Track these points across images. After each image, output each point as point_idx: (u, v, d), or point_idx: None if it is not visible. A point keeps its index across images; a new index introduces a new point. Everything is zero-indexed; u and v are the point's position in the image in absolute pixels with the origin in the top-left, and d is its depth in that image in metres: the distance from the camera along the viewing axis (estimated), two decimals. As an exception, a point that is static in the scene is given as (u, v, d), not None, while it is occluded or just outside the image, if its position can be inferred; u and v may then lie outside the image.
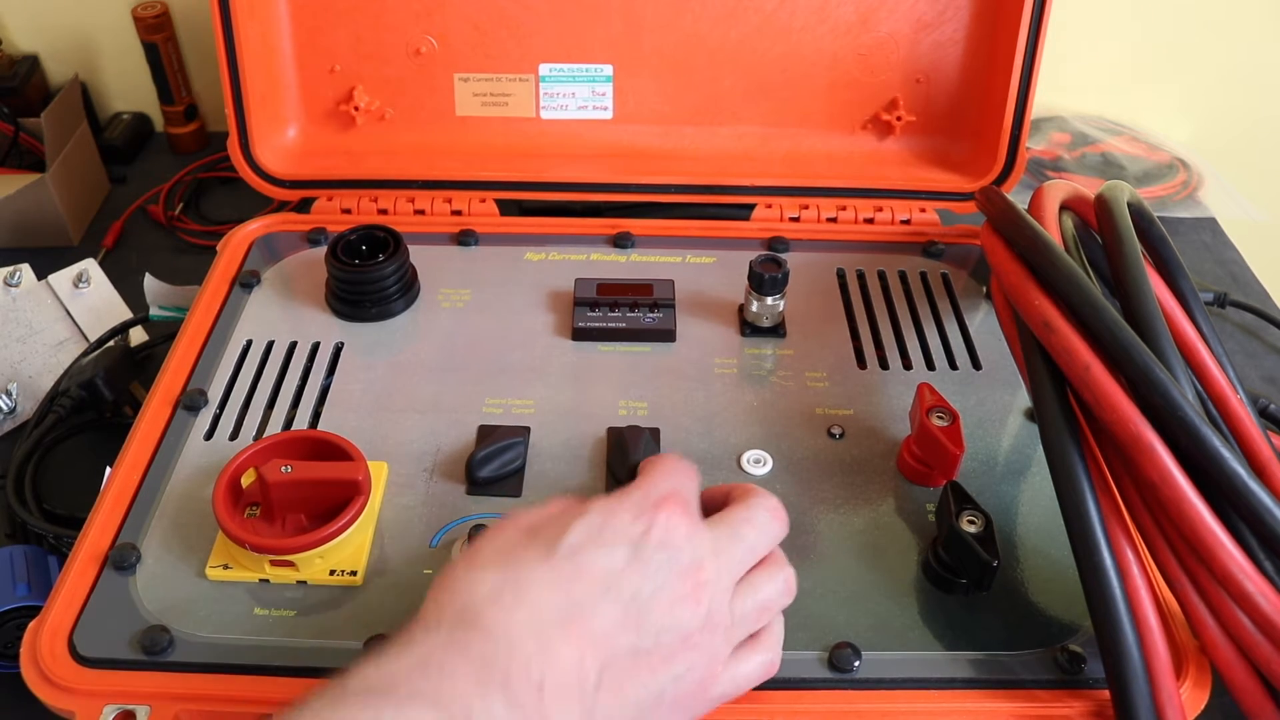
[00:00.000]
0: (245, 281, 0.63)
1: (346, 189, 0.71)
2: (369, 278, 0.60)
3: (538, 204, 0.73)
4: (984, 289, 0.64)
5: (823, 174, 0.72)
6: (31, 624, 0.44)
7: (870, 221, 0.70)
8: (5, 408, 0.65)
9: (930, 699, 0.43)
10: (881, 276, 0.65)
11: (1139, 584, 0.41)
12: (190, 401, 0.55)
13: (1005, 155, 0.69)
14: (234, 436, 0.54)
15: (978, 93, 0.71)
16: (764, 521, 0.42)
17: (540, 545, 0.38)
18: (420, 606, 0.37)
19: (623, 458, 0.49)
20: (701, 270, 0.65)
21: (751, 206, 0.71)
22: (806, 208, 0.71)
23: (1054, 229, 0.50)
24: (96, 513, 0.49)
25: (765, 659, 0.42)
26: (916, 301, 0.64)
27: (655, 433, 0.54)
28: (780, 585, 0.42)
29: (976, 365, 0.59)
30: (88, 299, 0.71)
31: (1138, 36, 0.92)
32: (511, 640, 0.35)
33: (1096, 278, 0.48)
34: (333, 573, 0.47)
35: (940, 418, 0.50)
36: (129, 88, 0.93)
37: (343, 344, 0.59)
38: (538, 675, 0.35)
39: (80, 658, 0.43)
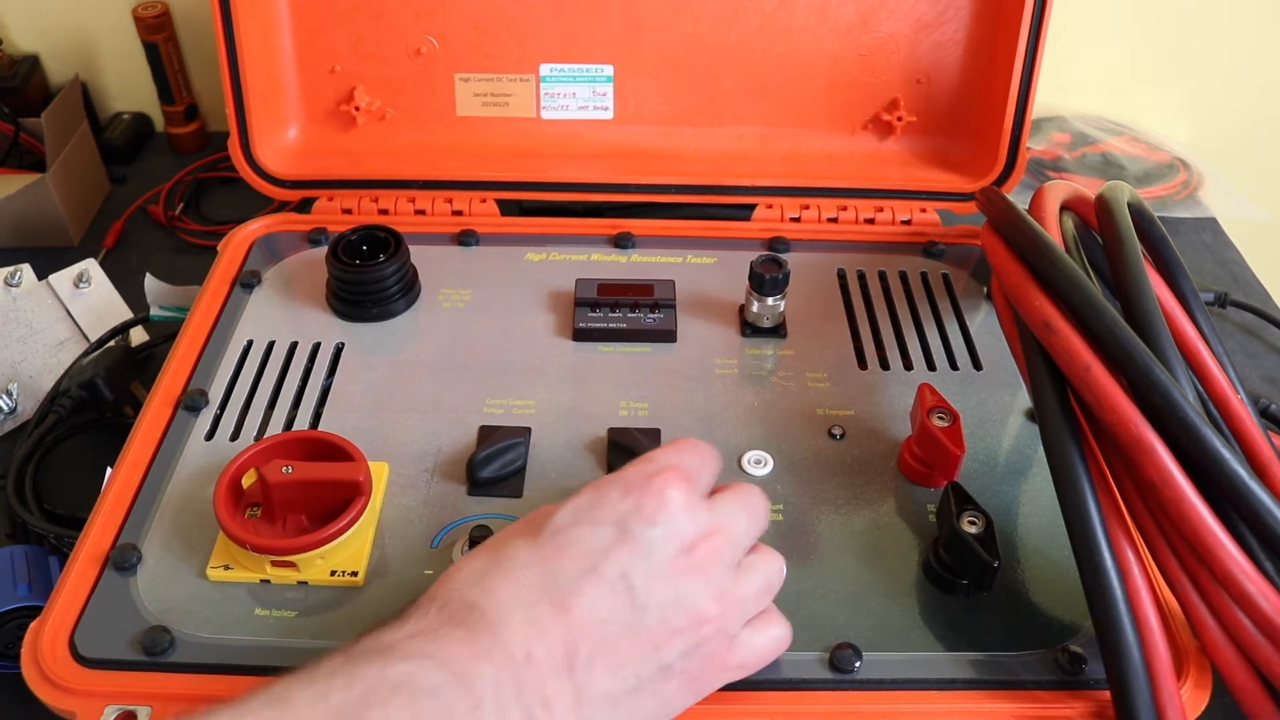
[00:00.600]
0: (246, 282, 0.63)
1: (347, 189, 0.71)
2: (369, 278, 0.60)
3: (538, 204, 0.73)
4: (984, 289, 0.64)
5: (823, 174, 0.72)
6: (32, 624, 0.44)
7: (871, 222, 0.70)
8: (5, 408, 0.65)
9: (931, 700, 0.43)
10: (882, 277, 0.66)
11: (1139, 584, 0.41)
12: (191, 402, 0.55)
13: (1005, 155, 0.69)
14: (235, 437, 0.54)
15: (978, 93, 0.71)
16: (757, 507, 0.43)
17: (531, 529, 0.39)
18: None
19: (624, 459, 0.49)
20: (702, 270, 0.65)
21: (752, 207, 0.71)
22: (807, 208, 0.71)
23: (1054, 229, 0.50)
24: (97, 513, 0.49)
25: (779, 632, 0.42)
26: (917, 302, 0.64)
27: (655, 433, 0.54)
28: (778, 568, 0.43)
29: (977, 365, 0.59)
30: (88, 299, 0.71)
31: (1138, 37, 0.92)
32: (495, 618, 0.36)
33: (1097, 278, 0.48)
34: (334, 573, 0.47)
35: (941, 418, 0.50)
36: (129, 88, 0.93)
37: (343, 344, 0.59)
38: (524, 649, 0.35)
39: (81, 658, 0.43)
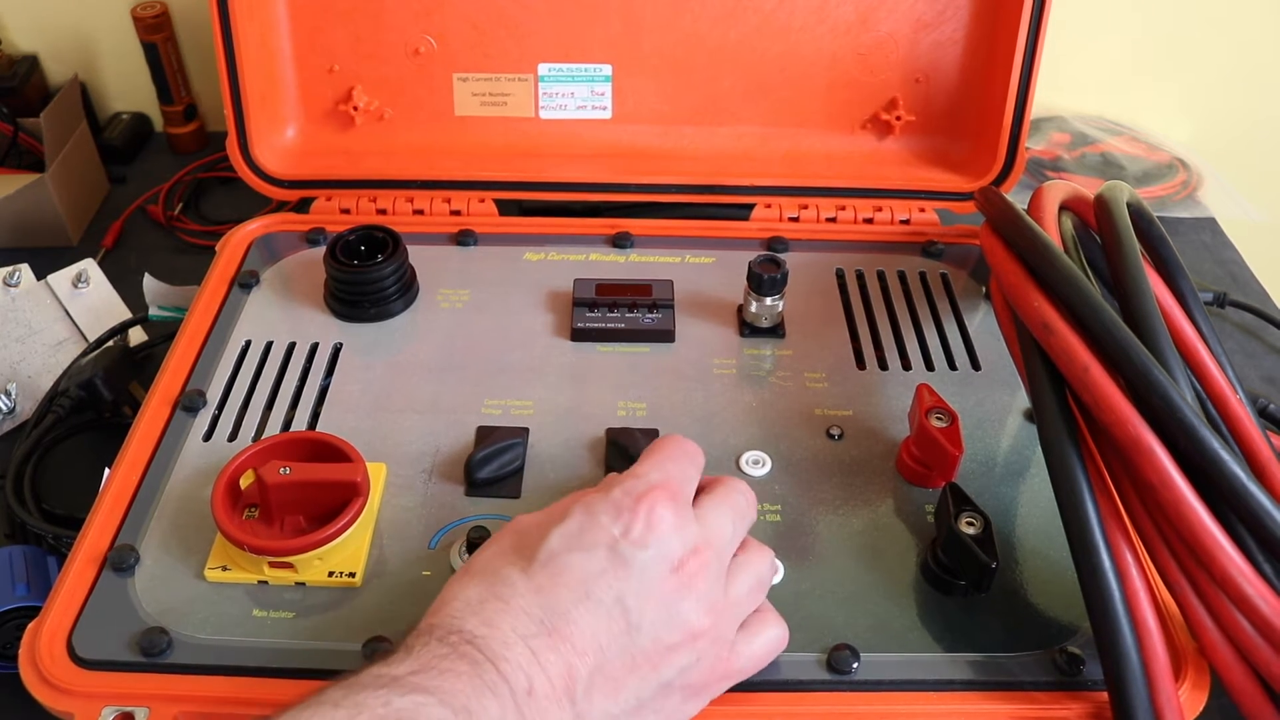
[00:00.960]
0: (244, 282, 0.63)
1: (345, 189, 0.71)
2: (368, 278, 0.60)
3: (537, 204, 0.73)
4: (983, 289, 0.64)
5: (822, 174, 0.72)
6: (30, 625, 0.44)
7: (870, 221, 0.70)
8: (4, 408, 0.65)
9: (929, 701, 0.43)
10: (881, 277, 0.65)
11: (1138, 586, 0.41)
12: (189, 402, 0.55)
13: (1005, 155, 0.69)
14: (233, 438, 0.54)
15: (977, 93, 0.71)
16: (743, 506, 0.43)
17: (522, 555, 0.39)
18: (420, 620, 0.38)
19: (622, 459, 0.49)
20: (701, 270, 0.65)
21: (751, 206, 0.71)
22: (806, 208, 0.71)
23: (1053, 229, 0.50)
24: (95, 513, 0.49)
25: (776, 633, 0.43)
26: (916, 302, 0.63)
27: (654, 433, 0.54)
28: (768, 563, 0.44)
29: (976, 366, 0.59)
30: (87, 299, 0.71)
31: (1138, 36, 0.92)
32: (495, 651, 0.36)
33: (1096, 278, 0.48)
34: (331, 574, 0.47)
35: (939, 419, 0.50)
36: (129, 88, 0.93)
37: (341, 344, 0.59)
38: (525, 681, 0.35)
39: (79, 659, 0.43)
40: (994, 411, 0.56)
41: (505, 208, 0.71)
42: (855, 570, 0.48)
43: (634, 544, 0.39)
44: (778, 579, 0.47)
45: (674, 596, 0.39)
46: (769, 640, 0.43)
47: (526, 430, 0.54)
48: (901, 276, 0.65)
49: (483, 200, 0.70)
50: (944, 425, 0.50)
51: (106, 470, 0.52)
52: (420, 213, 0.70)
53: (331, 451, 0.49)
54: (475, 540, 0.47)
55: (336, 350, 0.59)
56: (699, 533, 0.40)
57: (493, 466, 0.51)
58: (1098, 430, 0.43)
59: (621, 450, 0.51)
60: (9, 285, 0.69)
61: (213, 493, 0.47)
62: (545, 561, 0.38)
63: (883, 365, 0.59)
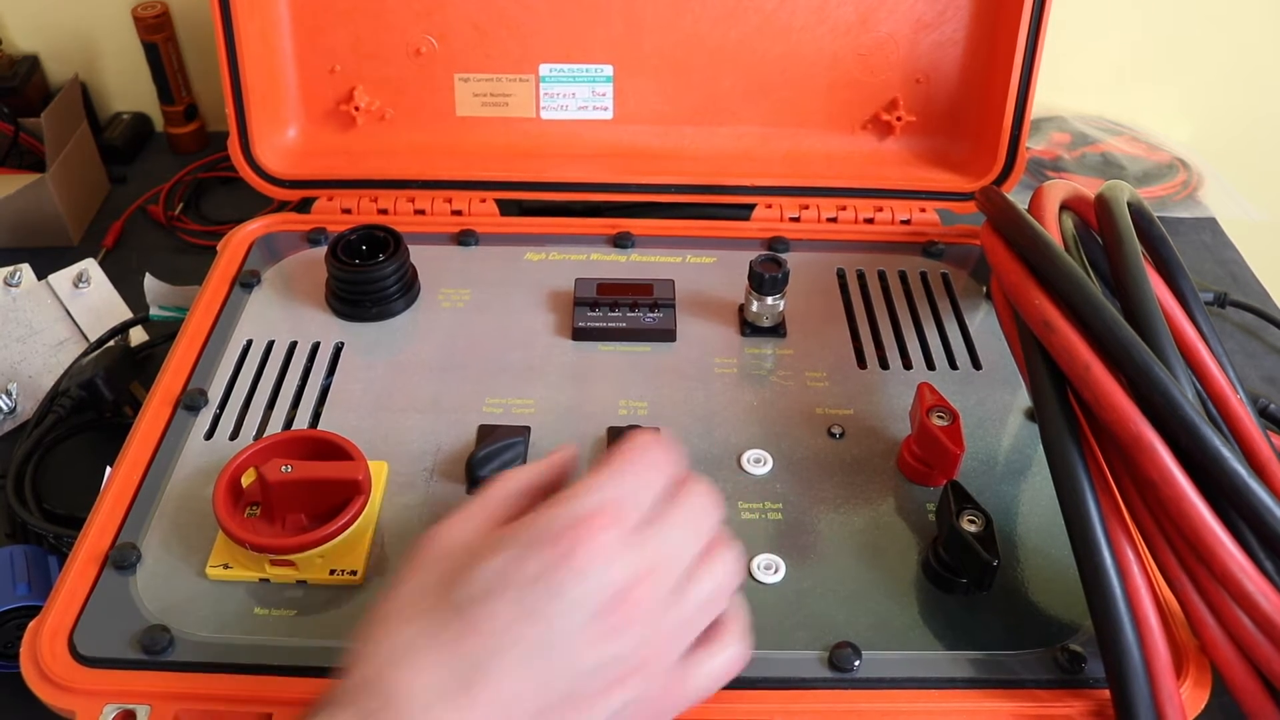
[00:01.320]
0: (245, 281, 0.63)
1: (346, 189, 0.71)
2: (369, 278, 0.60)
3: (538, 204, 0.73)
4: (984, 289, 0.64)
5: (823, 174, 0.72)
6: (32, 624, 0.44)
7: (870, 221, 0.70)
8: (5, 408, 0.65)
9: (930, 699, 0.43)
10: (881, 276, 0.66)
11: (1139, 583, 0.41)
12: (190, 401, 0.55)
13: (1005, 155, 0.69)
14: (234, 436, 0.54)
15: (978, 93, 0.71)
16: (699, 512, 0.39)
17: (444, 597, 0.36)
18: (347, 661, 0.35)
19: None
20: (701, 270, 0.65)
21: (751, 206, 0.71)
22: (806, 208, 0.71)
23: (1054, 229, 0.51)
24: (96, 513, 0.49)
25: (728, 654, 0.38)
26: (916, 301, 0.64)
27: (654, 433, 0.54)
28: (722, 572, 0.38)
29: (976, 365, 0.59)
30: (88, 299, 0.71)
31: (1138, 36, 0.92)
32: (414, 711, 0.33)
33: (1096, 278, 0.48)
34: (333, 572, 0.47)
35: (940, 417, 0.50)
36: (129, 88, 0.93)
37: (343, 344, 0.59)
38: None
39: (80, 657, 0.43)
40: (995, 410, 0.56)
41: (506, 208, 0.71)
42: (857, 568, 0.48)
43: (558, 585, 0.35)
44: (777, 578, 0.47)
45: (604, 638, 0.35)
46: (724, 663, 0.38)
47: (528, 429, 0.54)
48: (902, 276, 0.65)
49: (484, 200, 0.70)
50: (945, 424, 0.50)
51: (108, 469, 0.52)
52: (421, 213, 0.70)
53: (333, 450, 0.49)
54: (477, 538, 0.47)
55: (338, 349, 0.59)
56: (641, 559, 0.36)
57: (494, 465, 0.51)
58: (1099, 428, 0.43)
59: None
60: (10, 285, 0.69)
61: (214, 491, 0.47)
62: (460, 609, 0.35)
63: (884, 364, 0.59)
